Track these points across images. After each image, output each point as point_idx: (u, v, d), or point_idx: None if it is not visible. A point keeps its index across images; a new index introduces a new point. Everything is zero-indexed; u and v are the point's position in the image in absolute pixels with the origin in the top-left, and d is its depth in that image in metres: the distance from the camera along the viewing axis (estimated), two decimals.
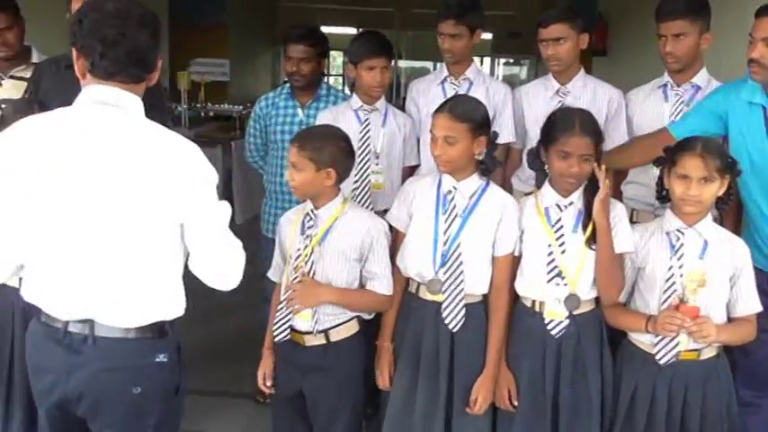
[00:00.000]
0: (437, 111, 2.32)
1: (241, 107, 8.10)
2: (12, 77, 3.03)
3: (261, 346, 3.24)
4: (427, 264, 2.34)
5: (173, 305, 1.81)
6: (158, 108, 3.03)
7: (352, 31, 12.67)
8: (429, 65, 13.11)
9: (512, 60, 14.43)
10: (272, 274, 2.53)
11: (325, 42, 3.23)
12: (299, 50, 3.11)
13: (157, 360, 1.79)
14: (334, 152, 2.26)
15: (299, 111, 3.21)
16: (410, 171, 3.01)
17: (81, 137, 1.67)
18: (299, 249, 2.34)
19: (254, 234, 3.34)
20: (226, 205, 1.82)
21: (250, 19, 11.03)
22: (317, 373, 2.34)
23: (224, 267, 1.87)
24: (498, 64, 14.23)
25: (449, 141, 2.25)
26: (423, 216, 2.38)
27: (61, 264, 1.71)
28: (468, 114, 2.27)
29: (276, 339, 2.37)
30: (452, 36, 2.91)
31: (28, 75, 3.01)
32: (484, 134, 2.29)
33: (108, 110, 1.70)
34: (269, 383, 2.45)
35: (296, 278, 2.32)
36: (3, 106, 2.84)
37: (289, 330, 2.34)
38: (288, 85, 3.29)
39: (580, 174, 2.24)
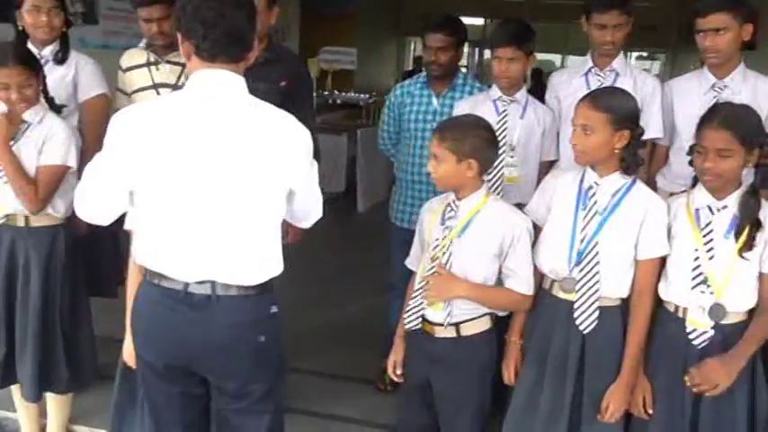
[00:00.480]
0: (580, 100, 2.25)
1: (367, 96, 8.22)
2: (168, 62, 3.15)
3: (379, 334, 3.30)
4: (562, 261, 2.27)
5: (277, 263, 1.96)
6: (304, 98, 3.15)
7: (479, 21, 12.54)
8: (557, 58, 12.80)
9: (645, 54, 13.85)
10: (409, 263, 2.53)
11: (464, 31, 3.19)
12: (438, 39, 3.10)
13: (272, 311, 1.96)
14: (476, 142, 2.22)
15: (434, 100, 3.20)
16: (548, 166, 2.93)
17: (198, 115, 1.81)
18: (437, 240, 2.31)
19: (375, 222, 3.37)
20: (316, 166, 2.01)
21: (377, 9, 11.15)
22: (445, 365, 2.32)
23: (315, 219, 2.12)
24: (630, 58, 13.68)
25: (586, 131, 2.18)
26: (561, 211, 2.31)
27: (184, 230, 1.84)
28: (610, 104, 2.18)
29: (407, 328, 2.37)
30: (615, 26, 2.77)
31: (182, 60, 3.16)
32: (627, 128, 2.18)
33: (219, 89, 1.85)
34: (399, 371, 2.46)
35: (432, 268, 2.30)
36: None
37: (421, 320, 2.33)
38: (424, 73, 3.28)
39: (714, 170, 2.10)
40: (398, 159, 3.39)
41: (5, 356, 2.70)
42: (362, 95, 8.16)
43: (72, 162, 2.62)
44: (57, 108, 2.70)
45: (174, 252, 1.86)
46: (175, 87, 3.05)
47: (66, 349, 2.74)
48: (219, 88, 1.84)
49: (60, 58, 2.94)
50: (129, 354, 2.13)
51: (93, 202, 1.90)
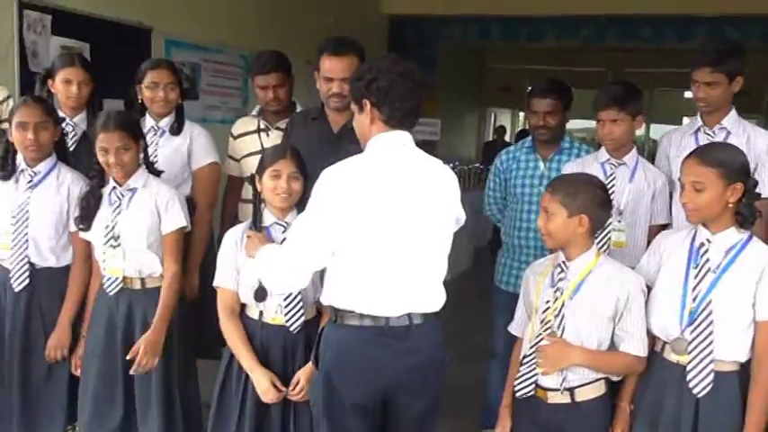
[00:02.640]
0: (686, 157, 2.25)
1: (451, 165, 8.32)
2: (277, 128, 3.37)
3: (479, 402, 3.25)
4: (673, 321, 2.23)
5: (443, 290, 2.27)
6: None
7: None
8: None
9: None
10: (513, 328, 2.53)
11: (570, 95, 3.27)
12: (545, 104, 3.19)
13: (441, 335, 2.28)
14: (589, 198, 2.24)
15: (541, 164, 3.27)
16: (658, 229, 2.87)
17: (391, 172, 2.15)
18: (547, 302, 2.31)
19: (464, 288, 3.38)
20: None
21: (459, 80, 11.40)
22: None
23: None
24: None
25: (696, 188, 2.17)
26: (672, 269, 2.28)
27: (387, 270, 2.14)
28: (719, 159, 2.17)
29: (518, 395, 2.34)
30: (708, 84, 2.77)
31: None
32: (739, 180, 2.17)
33: (403, 149, 2.21)
34: None
35: (546, 331, 2.29)
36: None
37: (534, 386, 2.31)
38: (529, 138, 3.37)
39: None
40: (505, 224, 3.44)
41: (122, 419, 2.74)
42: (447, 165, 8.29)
43: (188, 222, 2.78)
44: (156, 173, 2.85)
45: (378, 291, 2.14)
46: None
47: (184, 411, 2.79)
48: (404, 148, 2.20)
49: (176, 130, 3.16)
50: (266, 388, 2.37)
51: (302, 269, 2.17)
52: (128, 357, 2.61)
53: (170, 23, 5.32)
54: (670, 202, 2.89)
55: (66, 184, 2.82)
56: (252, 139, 3.41)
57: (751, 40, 8.13)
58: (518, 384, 2.34)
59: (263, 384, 2.37)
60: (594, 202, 2.26)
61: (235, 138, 3.48)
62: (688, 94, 2.94)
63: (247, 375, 2.45)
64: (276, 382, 2.39)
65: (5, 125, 3.38)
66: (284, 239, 2.41)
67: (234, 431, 2.47)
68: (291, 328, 2.45)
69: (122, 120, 2.70)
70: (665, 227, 2.90)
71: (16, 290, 2.77)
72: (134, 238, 2.68)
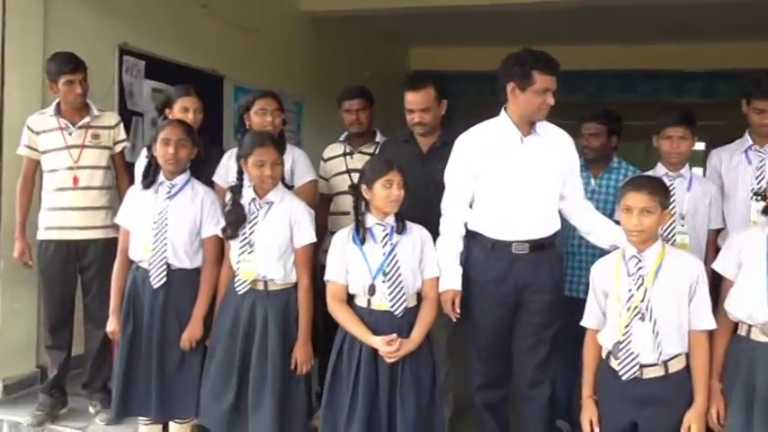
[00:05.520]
0: None
1: None
2: (360, 152, 3.63)
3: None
4: (760, 306, 2.37)
5: None
6: None
7: None
8: None
9: None
10: (587, 323, 2.62)
11: (618, 121, 3.51)
12: (591, 127, 3.43)
13: None
14: (667, 197, 2.51)
15: (592, 181, 3.47)
16: (715, 233, 3.13)
17: None
18: (630, 291, 2.45)
19: None
20: None
21: None
22: (655, 404, 2.40)
23: None
24: None
25: None
26: (753, 261, 2.44)
27: None
28: None
29: (625, 377, 2.43)
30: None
31: (371, 150, 3.63)
32: None
33: None
34: (597, 430, 2.53)
35: (636, 317, 2.43)
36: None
37: (639, 367, 2.42)
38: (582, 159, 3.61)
39: None
40: (560, 234, 3.63)
41: (233, 403, 2.84)
42: None
43: (315, 238, 2.94)
44: (289, 187, 3.06)
45: None
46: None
47: (296, 401, 2.88)
48: None
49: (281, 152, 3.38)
50: (381, 343, 2.58)
51: None
52: (292, 368, 2.84)
53: (238, 72, 5.65)
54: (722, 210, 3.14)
55: (200, 196, 3.01)
56: (339, 161, 3.68)
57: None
58: (623, 368, 2.44)
59: (378, 343, 2.58)
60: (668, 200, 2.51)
61: (325, 161, 3.74)
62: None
63: (358, 364, 2.63)
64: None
65: (122, 145, 3.65)
66: (385, 237, 2.65)
67: (345, 418, 2.62)
68: (396, 313, 2.64)
69: (273, 138, 2.94)
70: (719, 231, 3.14)
71: (155, 287, 2.94)
72: (267, 248, 2.84)
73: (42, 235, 3.53)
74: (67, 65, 3.43)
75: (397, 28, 7.85)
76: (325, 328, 3.05)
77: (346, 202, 3.49)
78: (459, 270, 2.78)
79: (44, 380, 3.82)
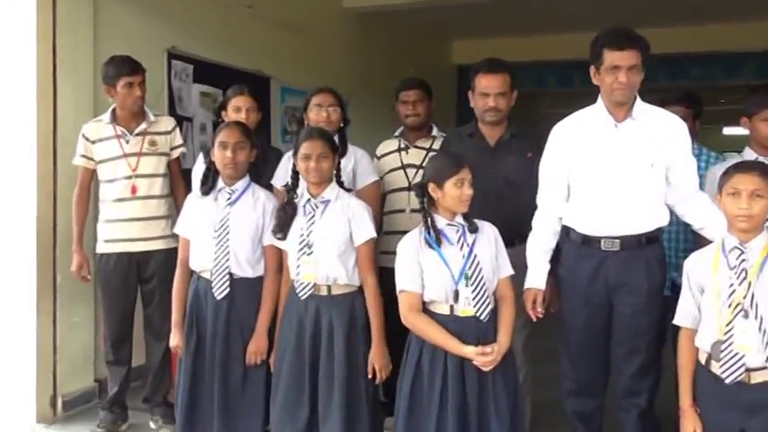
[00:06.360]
0: None
1: None
2: (415, 146, 3.46)
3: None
4: None
5: None
6: None
7: None
8: None
9: None
10: (681, 320, 2.40)
11: (701, 103, 3.31)
12: (679, 111, 3.08)
13: None
14: None
15: None
16: None
17: None
18: (732, 285, 2.24)
19: None
20: None
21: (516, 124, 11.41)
22: (764, 413, 2.19)
23: None
24: None
25: None
26: None
27: None
28: None
29: (729, 381, 2.23)
30: None
31: (427, 145, 3.45)
32: None
33: None
34: None
35: (738, 313, 2.22)
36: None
37: (744, 369, 2.21)
38: None
39: None
40: None
41: (309, 418, 2.71)
42: None
43: (375, 234, 2.78)
44: (346, 189, 2.87)
45: None
46: (419, 168, 3.32)
47: (367, 411, 2.73)
48: None
49: (341, 151, 3.20)
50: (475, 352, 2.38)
51: None
52: (369, 377, 2.68)
53: (284, 73, 5.52)
54: None
55: (261, 201, 2.87)
56: (393, 157, 3.50)
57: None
58: (726, 371, 2.23)
59: (472, 353, 2.39)
60: None
61: (379, 158, 3.55)
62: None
63: (444, 375, 2.44)
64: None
65: (178, 151, 3.52)
66: (460, 239, 2.46)
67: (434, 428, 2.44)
68: (482, 318, 2.45)
69: (323, 131, 2.79)
70: None
71: (218, 298, 2.80)
72: (327, 247, 2.69)
73: (102, 248, 3.43)
74: (126, 66, 3.33)
75: (439, 21, 7.67)
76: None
77: (402, 200, 3.40)
78: (546, 268, 2.60)
79: (102, 394, 3.75)
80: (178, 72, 4.46)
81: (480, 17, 7.36)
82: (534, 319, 2.62)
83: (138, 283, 3.46)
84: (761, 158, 2.87)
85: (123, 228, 3.37)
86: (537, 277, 2.61)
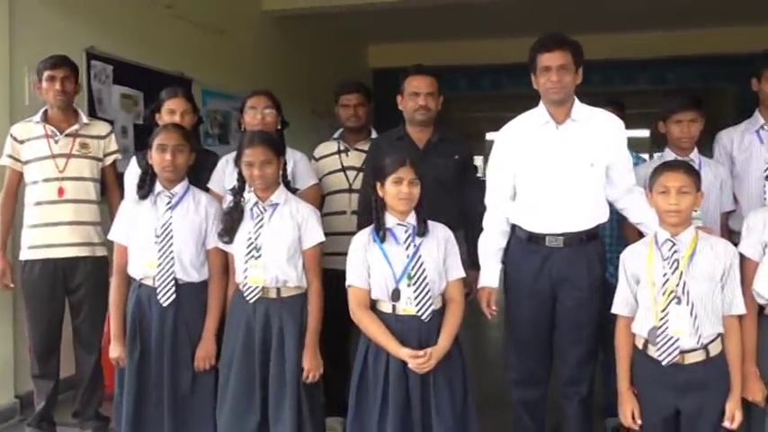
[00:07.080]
0: None
1: None
2: (356, 149, 3.45)
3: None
4: None
5: None
6: (472, 168, 3.42)
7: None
8: None
9: None
10: (619, 309, 2.51)
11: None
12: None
13: None
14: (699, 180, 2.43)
15: None
16: (726, 216, 3.07)
17: None
18: (665, 275, 2.37)
19: None
20: None
21: None
22: (698, 389, 2.33)
23: None
24: None
25: None
26: None
27: None
28: None
29: (665, 363, 2.35)
30: None
31: (366, 147, 3.43)
32: None
33: None
34: (639, 421, 2.44)
35: (672, 300, 2.35)
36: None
37: (679, 351, 2.34)
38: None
39: None
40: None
41: (260, 423, 2.66)
42: None
43: (323, 237, 2.75)
44: (292, 191, 2.84)
45: None
46: (359, 170, 3.33)
47: (311, 411, 2.71)
48: None
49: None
50: (410, 355, 2.39)
51: None
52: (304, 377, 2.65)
53: (206, 75, 5.38)
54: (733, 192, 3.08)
55: (203, 204, 2.79)
56: (333, 159, 3.49)
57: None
58: (662, 354, 2.35)
59: (406, 356, 2.40)
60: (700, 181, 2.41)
61: (317, 160, 3.53)
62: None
63: (386, 373, 2.46)
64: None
65: (113, 157, 3.38)
66: (408, 239, 2.47)
67: (376, 426, 2.46)
68: (423, 317, 2.47)
69: (265, 136, 2.73)
70: (730, 214, 3.09)
71: (164, 305, 2.70)
72: (275, 250, 2.65)
73: (25, 255, 3.24)
74: (49, 60, 3.20)
75: (355, 25, 7.73)
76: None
77: (342, 202, 3.38)
78: (498, 267, 2.65)
79: (24, 410, 3.54)
80: (98, 73, 4.26)
81: (395, 22, 7.46)
82: (489, 317, 2.66)
83: (65, 292, 3.27)
84: (679, 158, 3.01)
85: (48, 233, 3.20)
86: (490, 276, 2.67)
